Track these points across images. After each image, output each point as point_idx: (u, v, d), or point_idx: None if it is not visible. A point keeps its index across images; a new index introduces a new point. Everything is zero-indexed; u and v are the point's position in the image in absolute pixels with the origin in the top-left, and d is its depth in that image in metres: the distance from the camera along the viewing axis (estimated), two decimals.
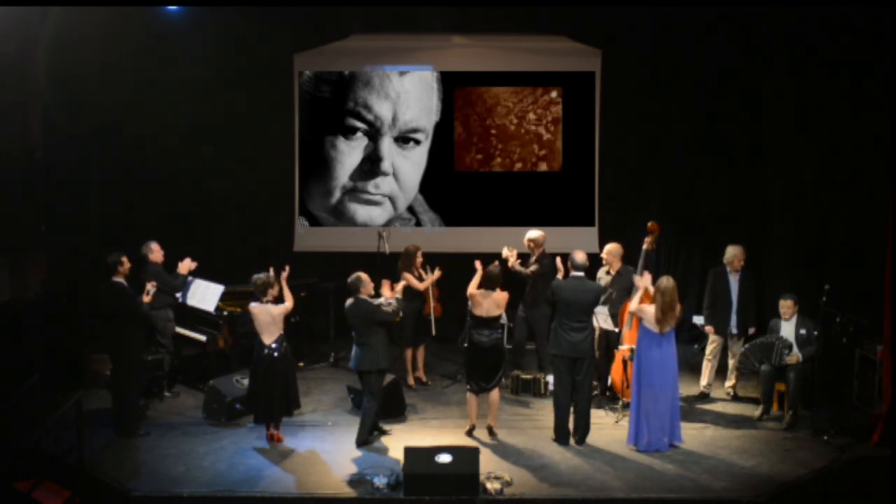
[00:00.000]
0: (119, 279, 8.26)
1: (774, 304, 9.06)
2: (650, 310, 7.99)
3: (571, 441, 8.18)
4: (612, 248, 9.38)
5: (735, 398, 9.33)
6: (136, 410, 8.40)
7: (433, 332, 9.77)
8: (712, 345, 9.39)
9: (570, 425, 8.23)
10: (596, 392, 9.42)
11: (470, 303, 8.29)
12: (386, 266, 10.33)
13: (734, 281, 9.28)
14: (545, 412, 8.84)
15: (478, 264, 8.47)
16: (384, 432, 8.31)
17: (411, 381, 9.82)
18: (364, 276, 8.14)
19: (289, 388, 8.14)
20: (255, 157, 11.68)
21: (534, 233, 9.73)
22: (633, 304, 8.19)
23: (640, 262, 9.04)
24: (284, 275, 8.33)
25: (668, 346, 8.01)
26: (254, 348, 8.15)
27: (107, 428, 8.29)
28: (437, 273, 9.71)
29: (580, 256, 8.26)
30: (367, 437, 8.14)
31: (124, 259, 8.32)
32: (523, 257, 9.76)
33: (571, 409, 8.21)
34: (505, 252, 9.53)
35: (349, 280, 8.13)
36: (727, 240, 9.87)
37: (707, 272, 9.78)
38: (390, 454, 7.89)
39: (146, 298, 8.36)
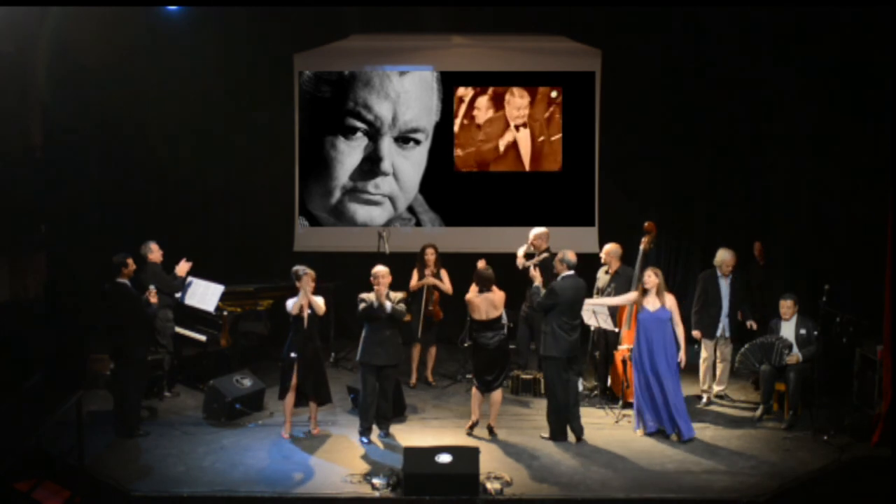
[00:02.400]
0: (123, 280, 8.26)
1: (774, 304, 9.06)
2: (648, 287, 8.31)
3: (571, 438, 8.20)
4: (611, 249, 9.38)
5: (724, 398, 9.31)
6: (138, 410, 8.39)
7: (419, 334, 9.75)
8: (705, 349, 9.32)
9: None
10: (595, 392, 9.44)
11: (469, 307, 8.30)
12: (386, 266, 10.33)
13: (725, 284, 9.21)
14: (545, 412, 8.82)
15: (481, 264, 8.48)
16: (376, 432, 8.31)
17: (413, 380, 9.84)
18: (375, 268, 8.22)
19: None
20: (255, 157, 11.69)
21: (537, 230, 9.76)
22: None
23: (638, 262, 9.04)
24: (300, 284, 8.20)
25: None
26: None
27: (107, 428, 8.28)
28: (428, 279, 9.71)
29: (573, 255, 8.31)
30: (362, 429, 8.20)
31: (129, 260, 8.31)
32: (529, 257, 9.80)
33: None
34: (520, 253, 9.59)
35: None
36: (727, 240, 9.88)
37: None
38: (390, 454, 7.88)
39: (151, 299, 8.37)
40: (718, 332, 9.23)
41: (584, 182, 11.86)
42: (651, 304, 8.27)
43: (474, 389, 8.37)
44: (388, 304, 8.10)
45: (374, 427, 8.27)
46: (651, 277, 8.27)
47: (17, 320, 9.30)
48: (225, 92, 11.44)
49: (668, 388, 8.19)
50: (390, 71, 11.85)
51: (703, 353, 9.35)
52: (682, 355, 8.29)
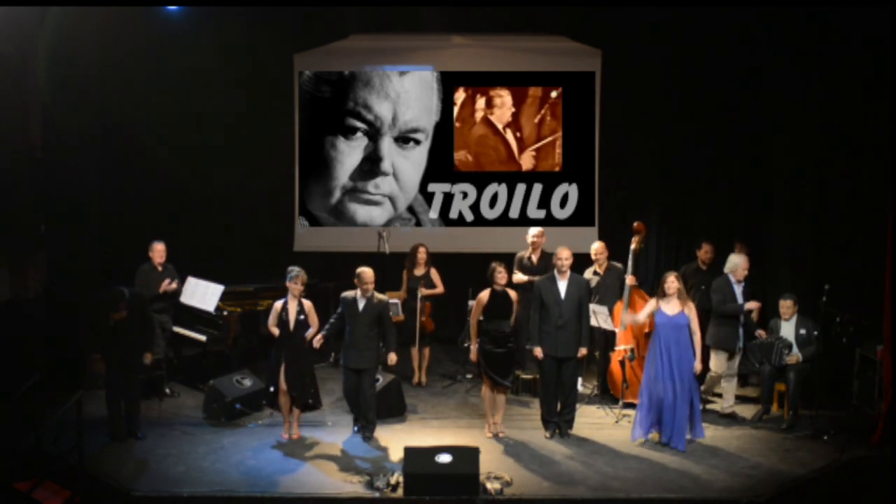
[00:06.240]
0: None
1: (774, 304, 9.04)
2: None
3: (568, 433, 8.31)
4: (601, 247, 9.41)
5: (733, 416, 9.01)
6: (137, 412, 8.36)
7: (415, 344, 9.80)
8: (723, 362, 8.82)
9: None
10: (595, 392, 9.44)
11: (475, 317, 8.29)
12: (386, 266, 10.34)
13: (739, 291, 8.81)
14: None
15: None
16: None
17: (416, 379, 9.89)
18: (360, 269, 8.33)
19: None
20: (255, 157, 11.68)
21: (535, 230, 9.78)
22: (642, 315, 8.31)
23: (629, 262, 9.01)
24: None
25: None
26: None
27: (107, 428, 8.27)
28: (422, 290, 9.76)
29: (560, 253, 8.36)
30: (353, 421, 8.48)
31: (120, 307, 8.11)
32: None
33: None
34: (520, 277, 9.52)
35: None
36: (727, 240, 9.86)
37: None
38: (390, 454, 7.89)
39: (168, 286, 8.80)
40: (740, 344, 8.81)
41: (584, 182, 11.86)
42: (670, 308, 8.05)
43: (485, 389, 8.33)
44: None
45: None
46: (673, 283, 8.04)
47: (17, 320, 9.28)
48: (225, 92, 11.43)
49: (685, 392, 7.98)
50: (390, 71, 11.85)
51: (721, 367, 8.80)
52: (697, 364, 8.02)
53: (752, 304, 8.78)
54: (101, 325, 8.20)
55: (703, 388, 8.84)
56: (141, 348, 8.27)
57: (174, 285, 9.41)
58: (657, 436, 8.11)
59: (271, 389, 8.25)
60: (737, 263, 8.84)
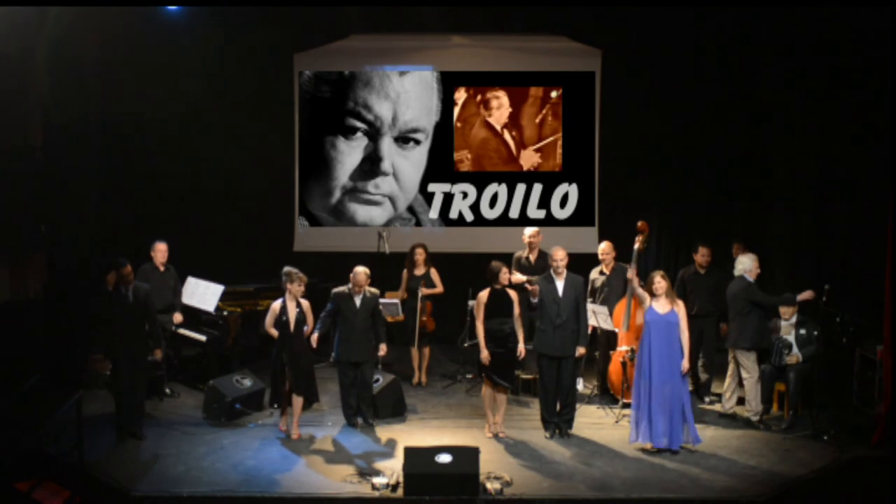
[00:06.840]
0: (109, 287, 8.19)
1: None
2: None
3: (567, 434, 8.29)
4: (608, 247, 9.40)
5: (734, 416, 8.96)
6: (135, 412, 8.35)
7: (414, 344, 9.78)
8: (753, 365, 8.68)
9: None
10: (595, 392, 9.44)
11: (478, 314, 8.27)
12: (386, 266, 10.35)
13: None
14: None
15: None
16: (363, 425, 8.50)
17: (415, 379, 9.89)
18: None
19: None
20: (255, 157, 11.68)
21: (531, 229, 9.78)
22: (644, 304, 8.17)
23: (633, 262, 9.01)
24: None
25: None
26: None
27: (107, 428, 8.28)
28: (423, 290, 9.73)
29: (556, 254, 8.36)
30: (346, 417, 8.63)
31: (121, 270, 8.13)
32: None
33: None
34: (518, 277, 9.52)
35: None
36: (727, 240, 9.86)
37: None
38: (390, 454, 7.89)
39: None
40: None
41: (584, 182, 11.87)
42: (661, 306, 7.99)
43: (486, 389, 8.33)
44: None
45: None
46: (661, 283, 8.00)
47: (17, 320, 9.28)
48: (225, 92, 11.43)
49: (681, 393, 7.92)
50: (390, 71, 11.85)
51: (755, 368, 8.60)
52: (685, 362, 7.94)
53: (807, 295, 8.51)
54: (102, 293, 8.15)
55: (749, 398, 8.63)
56: (147, 344, 8.29)
57: (180, 317, 9.45)
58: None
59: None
60: (750, 265, 8.74)
